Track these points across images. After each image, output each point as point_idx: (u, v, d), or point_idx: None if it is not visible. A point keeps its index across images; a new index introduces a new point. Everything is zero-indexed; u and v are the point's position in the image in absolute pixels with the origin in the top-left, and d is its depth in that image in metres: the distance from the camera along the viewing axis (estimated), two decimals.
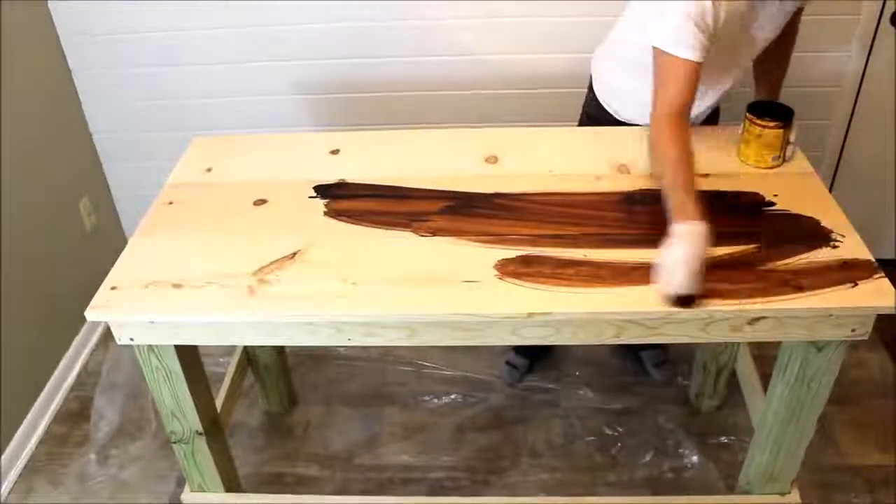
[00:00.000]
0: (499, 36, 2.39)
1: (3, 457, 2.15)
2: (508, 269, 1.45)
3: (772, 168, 1.70)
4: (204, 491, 1.80)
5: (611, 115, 1.91)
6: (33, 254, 2.31)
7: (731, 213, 1.59)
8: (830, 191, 1.66)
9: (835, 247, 1.47)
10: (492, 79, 2.46)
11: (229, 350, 2.10)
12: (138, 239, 1.61)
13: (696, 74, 1.49)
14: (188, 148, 1.92)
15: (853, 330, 1.39)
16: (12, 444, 2.20)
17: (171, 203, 1.71)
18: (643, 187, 1.66)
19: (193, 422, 1.65)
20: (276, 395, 2.30)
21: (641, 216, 1.59)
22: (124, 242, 1.61)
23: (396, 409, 2.35)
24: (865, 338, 1.41)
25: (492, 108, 2.51)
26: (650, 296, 1.38)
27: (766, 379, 1.69)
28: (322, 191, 1.71)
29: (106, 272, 1.51)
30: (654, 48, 1.51)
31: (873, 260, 1.44)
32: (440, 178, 1.72)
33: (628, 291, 1.39)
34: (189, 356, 1.58)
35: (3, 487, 2.13)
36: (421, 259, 1.49)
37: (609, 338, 1.43)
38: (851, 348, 1.49)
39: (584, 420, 2.27)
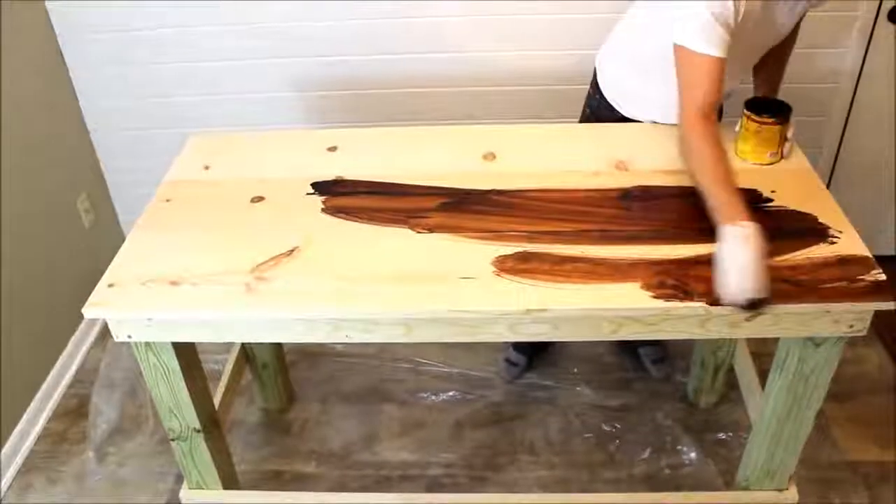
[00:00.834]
0: (496, 33, 2.38)
1: (0, 454, 2.15)
2: (506, 265, 1.45)
3: (769, 164, 1.70)
4: (202, 488, 1.80)
5: (619, 113, 1.90)
6: (31, 251, 2.31)
7: None
8: (828, 187, 1.66)
9: (832, 243, 1.48)
10: (489, 76, 2.46)
11: (227, 347, 2.10)
12: (136, 236, 1.61)
13: (723, 72, 1.49)
14: (185, 145, 1.92)
15: (851, 326, 1.40)
16: (10, 441, 2.20)
17: (168, 200, 1.71)
18: (640, 184, 1.66)
19: (191, 419, 1.65)
20: (273, 392, 2.30)
21: (639, 212, 1.59)
22: (122, 239, 1.61)
23: (394, 406, 2.35)
24: (863, 334, 1.41)
25: (489, 105, 2.51)
26: (647, 292, 1.38)
27: (763, 375, 1.69)
28: (319, 188, 1.71)
29: (104, 269, 1.51)
30: (680, 47, 1.50)
31: (871, 256, 1.44)
32: (438, 175, 1.72)
33: (626, 288, 1.39)
34: (187, 353, 1.58)
35: (1, 485, 2.13)
36: (418, 256, 1.49)
37: (607, 334, 1.43)
38: (849, 344, 1.49)
39: (581, 417, 2.28)
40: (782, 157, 1.71)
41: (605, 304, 1.37)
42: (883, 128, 2.49)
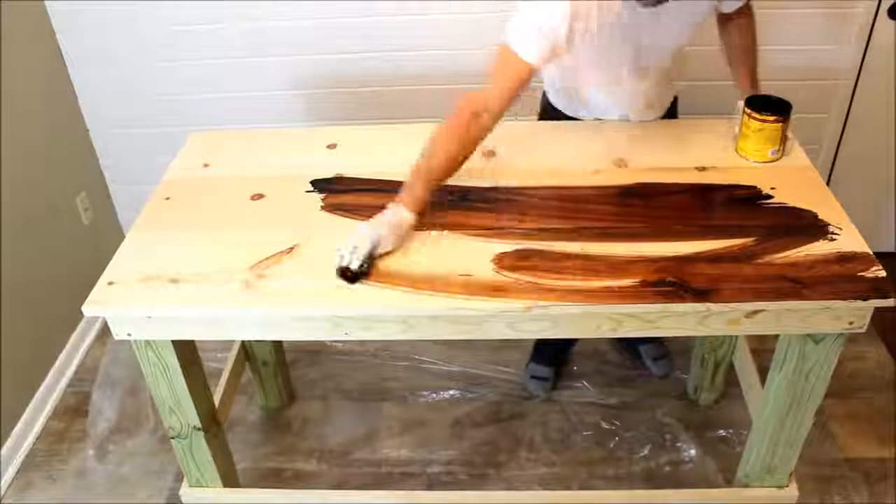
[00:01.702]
0: (496, 31, 2.37)
1: (1, 453, 2.15)
2: (505, 262, 1.45)
3: (770, 162, 1.70)
4: (202, 486, 1.80)
5: (560, 112, 1.92)
6: (31, 249, 2.31)
7: (728, 206, 1.59)
8: (828, 184, 1.66)
9: (832, 240, 1.47)
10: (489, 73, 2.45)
11: (227, 345, 2.10)
12: (135, 234, 1.61)
13: (528, 81, 1.51)
14: (185, 143, 1.92)
15: (851, 323, 1.40)
16: (10, 439, 2.20)
17: (168, 198, 1.71)
18: (641, 181, 1.66)
19: (191, 417, 1.65)
20: (273, 390, 2.30)
21: (639, 210, 1.59)
22: (121, 237, 1.61)
23: (394, 403, 2.35)
24: (863, 331, 1.41)
25: None
26: (647, 289, 1.37)
27: (763, 372, 1.69)
28: (319, 185, 1.71)
29: (103, 267, 1.51)
30: (503, 44, 1.51)
31: (870, 253, 1.44)
32: None
33: (625, 285, 1.39)
34: (187, 351, 1.58)
35: (2, 483, 2.13)
36: (418, 253, 1.49)
37: (606, 331, 1.43)
38: (849, 341, 1.49)
39: (581, 414, 2.28)
40: (783, 155, 1.71)
41: (604, 302, 1.37)
42: (883, 124, 2.49)
